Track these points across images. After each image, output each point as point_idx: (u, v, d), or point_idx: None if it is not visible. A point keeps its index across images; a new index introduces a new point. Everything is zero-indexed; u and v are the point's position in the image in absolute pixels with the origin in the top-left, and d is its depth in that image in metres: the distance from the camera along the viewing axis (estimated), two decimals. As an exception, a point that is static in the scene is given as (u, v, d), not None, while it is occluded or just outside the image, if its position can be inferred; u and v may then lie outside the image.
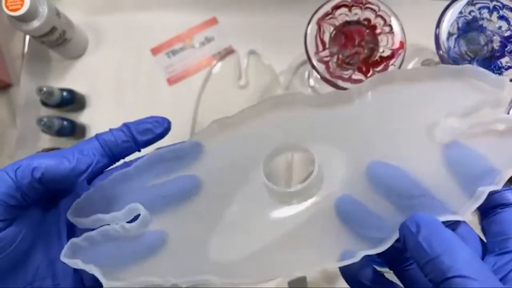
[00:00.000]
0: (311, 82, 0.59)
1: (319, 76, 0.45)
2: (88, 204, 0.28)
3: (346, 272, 0.27)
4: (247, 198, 0.29)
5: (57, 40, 0.56)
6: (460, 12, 0.44)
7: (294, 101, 0.30)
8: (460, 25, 0.44)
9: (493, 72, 0.43)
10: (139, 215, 0.28)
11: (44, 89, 0.54)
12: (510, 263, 0.25)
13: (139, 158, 0.29)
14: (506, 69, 0.43)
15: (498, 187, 0.26)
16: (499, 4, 0.43)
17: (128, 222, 0.28)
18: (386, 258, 0.28)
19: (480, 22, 0.44)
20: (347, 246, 0.27)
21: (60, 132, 0.56)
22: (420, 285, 0.26)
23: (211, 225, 0.29)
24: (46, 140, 0.59)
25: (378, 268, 0.28)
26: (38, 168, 0.26)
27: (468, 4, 0.44)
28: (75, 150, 0.28)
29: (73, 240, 0.27)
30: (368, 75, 0.45)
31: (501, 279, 0.24)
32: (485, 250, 0.26)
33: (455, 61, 0.43)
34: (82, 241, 0.27)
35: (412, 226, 0.24)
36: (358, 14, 0.45)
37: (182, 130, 0.58)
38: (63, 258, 0.27)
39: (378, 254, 0.26)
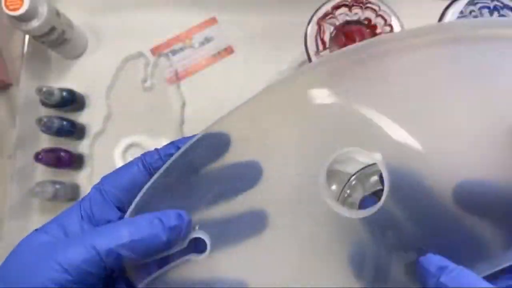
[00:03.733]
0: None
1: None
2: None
3: None
4: (312, 224, 0.26)
5: (56, 40, 0.56)
6: (461, 12, 0.44)
7: None
8: (460, 25, 0.44)
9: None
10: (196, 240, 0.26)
11: (44, 89, 0.54)
12: None
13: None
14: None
15: None
16: (499, 4, 0.43)
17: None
18: None
19: (481, 22, 0.44)
20: None
21: (60, 132, 0.55)
22: None
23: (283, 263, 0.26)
24: (45, 140, 0.59)
25: None
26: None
27: (468, 4, 0.44)
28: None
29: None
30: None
31: None
32: None
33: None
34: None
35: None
36: (358, 14, 0.45)
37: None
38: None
39: None
